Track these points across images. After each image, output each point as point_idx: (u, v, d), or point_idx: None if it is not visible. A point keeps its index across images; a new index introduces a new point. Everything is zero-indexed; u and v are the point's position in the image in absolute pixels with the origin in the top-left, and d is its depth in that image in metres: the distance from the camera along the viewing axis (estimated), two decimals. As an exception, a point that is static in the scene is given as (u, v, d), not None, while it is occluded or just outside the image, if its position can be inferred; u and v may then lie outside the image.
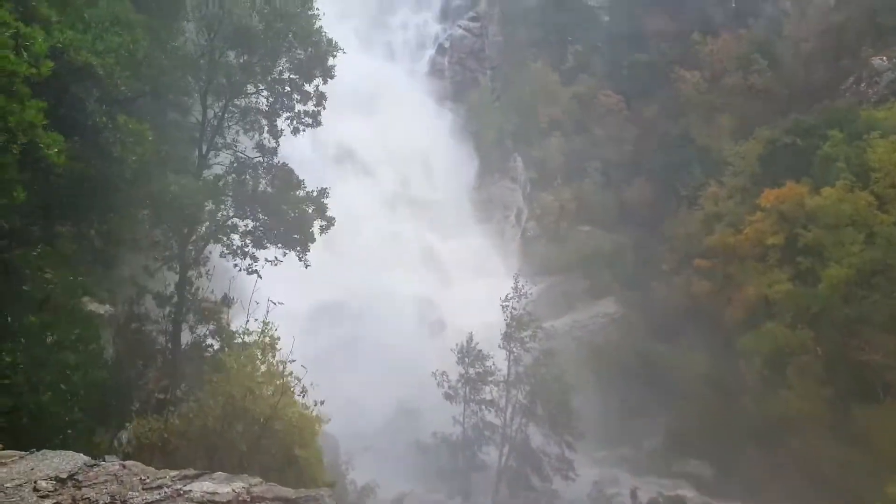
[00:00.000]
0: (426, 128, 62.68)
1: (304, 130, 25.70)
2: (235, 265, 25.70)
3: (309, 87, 24.13)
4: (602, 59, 67.33)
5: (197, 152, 22.48)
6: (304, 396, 17.27)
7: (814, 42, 54.54)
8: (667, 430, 44.46)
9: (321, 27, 22.30)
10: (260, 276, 25.03)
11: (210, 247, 25.00)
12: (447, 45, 70.65)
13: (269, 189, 24.11)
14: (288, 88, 22.94)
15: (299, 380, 17.06)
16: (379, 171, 58.74)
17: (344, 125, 52.77)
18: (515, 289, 40.94)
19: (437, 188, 59.60)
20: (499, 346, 40.36)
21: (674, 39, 64.90)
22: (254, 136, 24.20)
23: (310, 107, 24.61)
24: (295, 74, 23.65)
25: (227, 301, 24.78)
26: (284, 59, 22.58)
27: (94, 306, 22.90)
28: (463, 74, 69.65)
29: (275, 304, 18.97)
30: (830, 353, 36.56)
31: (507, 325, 40.38)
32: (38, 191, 15.64)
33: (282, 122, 23.72)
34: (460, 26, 71.50)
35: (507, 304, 40.64)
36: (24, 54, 13.77)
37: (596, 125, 63.06)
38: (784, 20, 59.47)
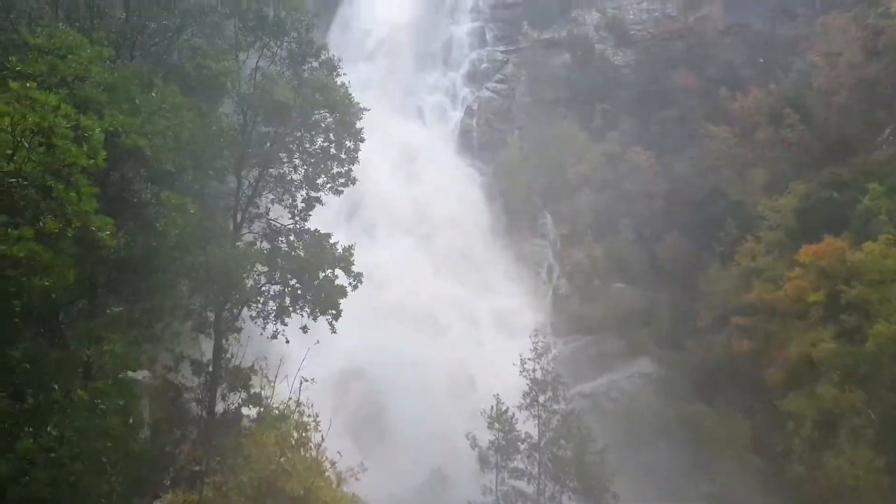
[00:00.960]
0: (455, 186, 63.43)
1: (341, 192, 26.27)
2: (263, 332, 25.91)
3: (341, 152, 24.83)
4: (630, 116, 67.63)
5: (232, 221, 23.22)
6: (338, 483, 16.91)
7: (846, 95, 54.14)
8: (709, 496, 42.57)
9: (348, 93, 23.03)
10: (287, 341, 25.13)
11: (243, 313, 25.29)
12: (475, 106, 71.91)
13: (300, 253, 24.55)
14: (321, 153, 23.64)
15: (333, 464, 16.70)
16: (408, 230, 59.17)
17: (375, 185, 53.71)
18: (535, 350, 39.97)
19: (466, 246, 59.68)
20: (524, 410, 39.26)
21: (701, 96, 65.09)
22: (287, 203, 24.85)
23: (344, 168, 25.23)
24: (326, 141, 24.42)
25: (259, 368, 24.79)
26: (316, 127, 23.27)
27: (131, 372, 23.11)
28: (491, 134, 70.60)
29: (307, 381, 18.85)
30: (885, 417, 34.89)
31: (530, 388, 39.37)
32: (87, 267, 16.09)
33: (317, 186, 24.38)
34: (488, 88, 72.87)
35: (528, 365, 39.66)
36: (84, 146, 14.36)
37: (626, 181, 62.85)
38: (814, 73, 59.29)
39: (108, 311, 19.38)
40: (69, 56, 16.02)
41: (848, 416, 36.36)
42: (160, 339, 21.41)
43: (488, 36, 75.76)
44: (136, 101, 17.35)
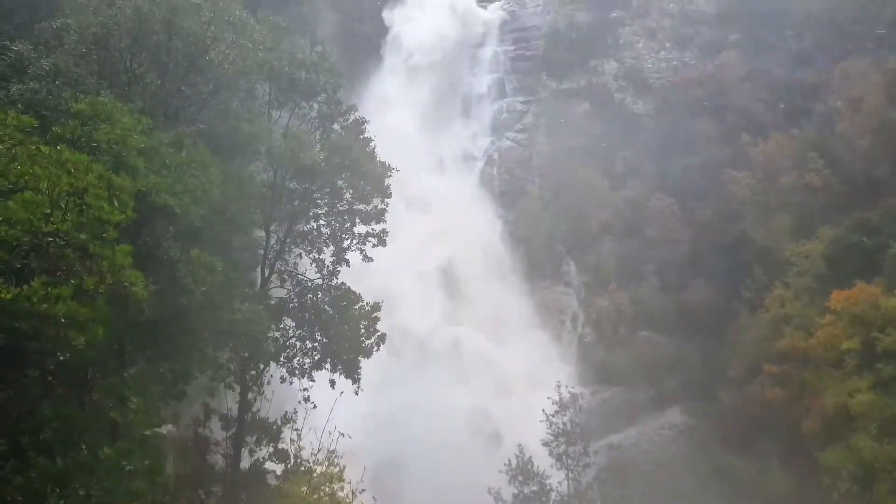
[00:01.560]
0: (478, 235, 63.56)
1: (371, 259, 26.28)
2: (291, 384, 25.88)
3: (368, 208, 25.03)
4: (651, 163, 67.59)
5: (259, 277, 23.47)
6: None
7: (871, 138, 53.83)
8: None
9: (375, 151, 23.42)
10: (314, 406, 24.91)
11: (268, 367, 25.28)
12: (496, 156, 72.52)
13: (328, 308, 24.59)
14: (346, 211, 23.91)
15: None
16: (431, 279, 59.13)
17: (398, 235, 53.90)
18: (559, 402, 39.23)
19: (488, 293, 59.38)
20: (551, 463, 38.42)
21: (722, 142, 64.96)
22: (314, 259, 25.04)
23: (373, 227, 25.39)
24: (354, 198, 24.70)
25: (286, 420, 24.64)
26: (343, 186, 23.60)
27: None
28: (512, 183, 70.93)
29: (343, 435, 18.66)
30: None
31: (555, 441, 38.53)
32: (117, 324, 16.29)
33: (344, 246, 24.61)
34: (508, 138, 73.55)
35: (552, 418, 38.89)
36: (115, 202, 14.72)
37: (649, 228, 62.51)
38: (836, 118, 59.10)
39: (134, 368, 19.46)
40: (107, 123, 16.61)
41: (887, 469, 35.02)
42: (185, 395, 21.47)
43: (508, 87, 76.81)
44: (168, 161, 17.77)
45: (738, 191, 59.51)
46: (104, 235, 14.95)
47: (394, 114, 67.90)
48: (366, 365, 25.89)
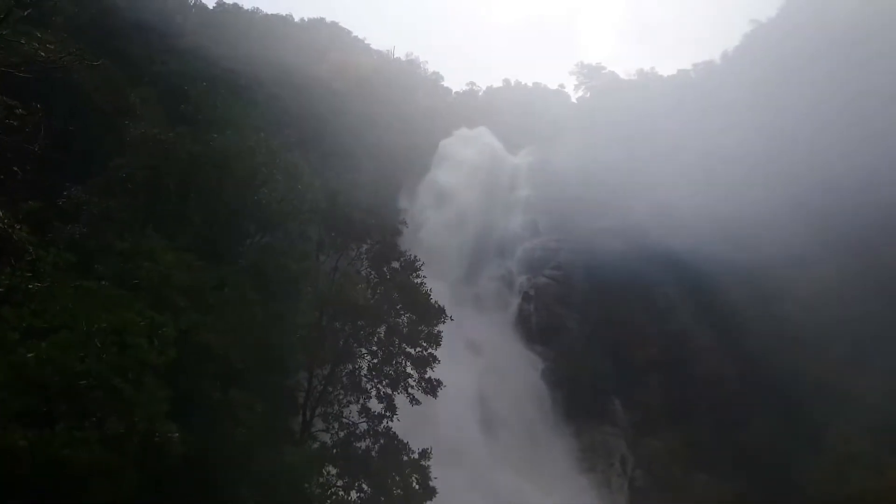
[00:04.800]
0: (517, 373, 61.95)
1: (419, 403, 25.27)
2: None
3: (414, 351, 24.22)
4: (691, 297, 66.59)
5: (301, 419, 22.42)
6: None
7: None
8: None
9: (429, 294, 22.99)
10: None
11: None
12: (532, 293, 72.28)
13: (374, 456, 23.34)
14: (398, 349, 23.20)
15: None
16: (472, 425, 57.04)
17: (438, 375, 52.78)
18: None
19: (530, 436, 56.84)
20: None
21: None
22: (360, 404, 23.99)
23: (427, 373, 24.47)
24: (402, 341, 24.02)
25: None
26: (402, 323, 22.88)
27: None
28: (550, 320, 70.01)
29: None
30: None
31: None
32: (150, 471, 15.38)
33: (394, 389, 23.63)
34: (544, 275, 73.65)
35: None
36: (156, 342, 14.35)
37: (696, 364, 60.44)
38: None
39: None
40: (150, 261, 16.61)
41: None
42: None
43: (541, 226, 78.23)
44: (210, 300, 17.57)
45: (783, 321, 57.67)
46: (142, 380, 14.40)
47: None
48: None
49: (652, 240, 72.85)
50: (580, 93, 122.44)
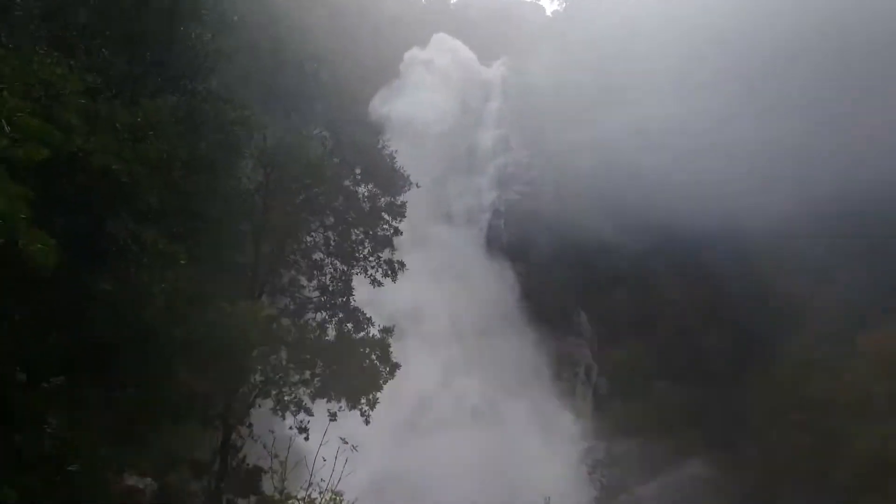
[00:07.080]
0: (488, 288, 62.21)
1: (380, 284, 23.96)
2: (285, 420, 22.74)
3: (378, 229, 23.02)
4: (660, 215, 66.64)
5: (247, 291, 20.56)
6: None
7: None
8: None
9: (394, 158, 21.46)
10: (307, 438, 22.12)
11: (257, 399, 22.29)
12: (503, 208, 71.86)
13: (331, 331, 22.23)
14: (354, 226, 22.05)
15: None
16: (441, 334, 57.44)
17: (406, 292, 52.48)
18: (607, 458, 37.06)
19: (498, 345, 57.57)
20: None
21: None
22: (315, 278, 22.62)
23: (386, 254, 23.17)
24: (360, 215, 22.63)
25: (277, 468, 21.85)
26: (362, 192, 21.37)
27: (133, 480, 20.13)
28: (520, 235, 69.94)
29: (345, 442, 16.24)
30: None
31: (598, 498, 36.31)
32: (54, 341, 13.10)
33: (352, 263, 22.37)
34: (515, 191, 73.07)
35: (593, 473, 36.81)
36: (7, 127, 10.55)
37: (661, 277, 61.19)
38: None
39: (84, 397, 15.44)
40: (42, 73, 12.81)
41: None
42: (150, 442, 17.59)
43: (513, 142, 77.05)
44: (118, 125, 14.38)
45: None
46: None
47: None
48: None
49: (624, 157, 72.43)
50: (555, 6, 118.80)
